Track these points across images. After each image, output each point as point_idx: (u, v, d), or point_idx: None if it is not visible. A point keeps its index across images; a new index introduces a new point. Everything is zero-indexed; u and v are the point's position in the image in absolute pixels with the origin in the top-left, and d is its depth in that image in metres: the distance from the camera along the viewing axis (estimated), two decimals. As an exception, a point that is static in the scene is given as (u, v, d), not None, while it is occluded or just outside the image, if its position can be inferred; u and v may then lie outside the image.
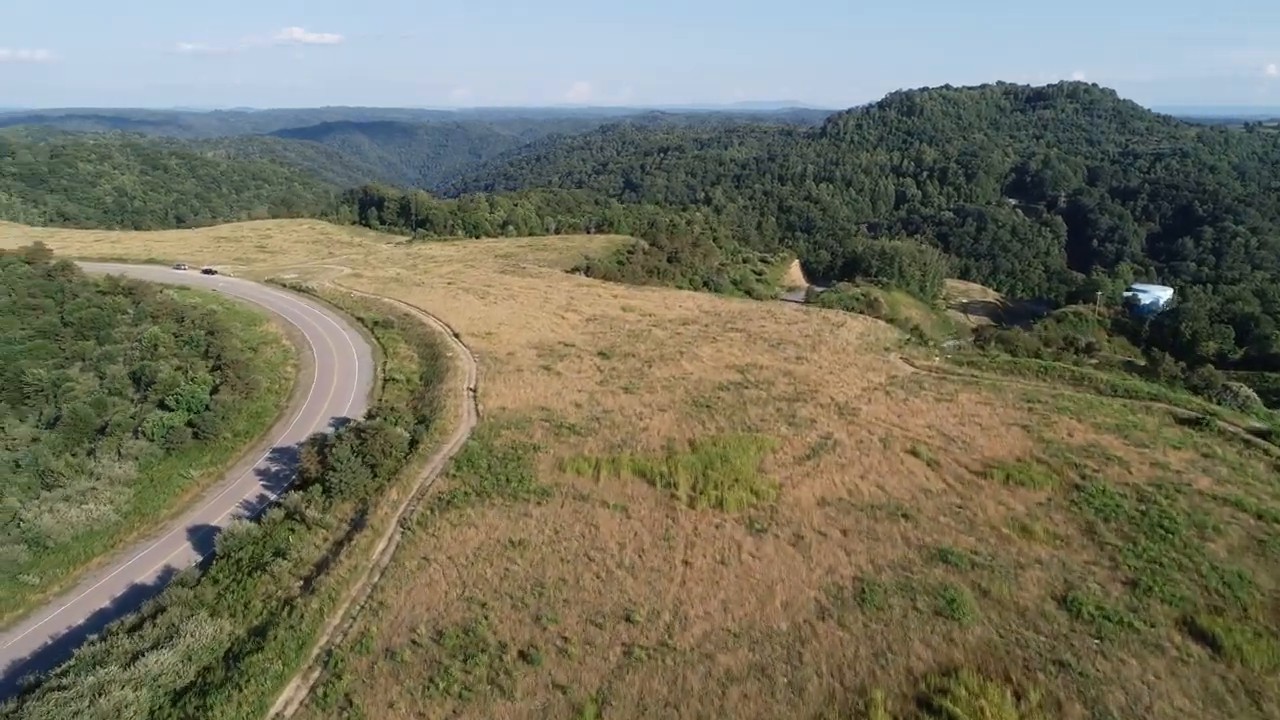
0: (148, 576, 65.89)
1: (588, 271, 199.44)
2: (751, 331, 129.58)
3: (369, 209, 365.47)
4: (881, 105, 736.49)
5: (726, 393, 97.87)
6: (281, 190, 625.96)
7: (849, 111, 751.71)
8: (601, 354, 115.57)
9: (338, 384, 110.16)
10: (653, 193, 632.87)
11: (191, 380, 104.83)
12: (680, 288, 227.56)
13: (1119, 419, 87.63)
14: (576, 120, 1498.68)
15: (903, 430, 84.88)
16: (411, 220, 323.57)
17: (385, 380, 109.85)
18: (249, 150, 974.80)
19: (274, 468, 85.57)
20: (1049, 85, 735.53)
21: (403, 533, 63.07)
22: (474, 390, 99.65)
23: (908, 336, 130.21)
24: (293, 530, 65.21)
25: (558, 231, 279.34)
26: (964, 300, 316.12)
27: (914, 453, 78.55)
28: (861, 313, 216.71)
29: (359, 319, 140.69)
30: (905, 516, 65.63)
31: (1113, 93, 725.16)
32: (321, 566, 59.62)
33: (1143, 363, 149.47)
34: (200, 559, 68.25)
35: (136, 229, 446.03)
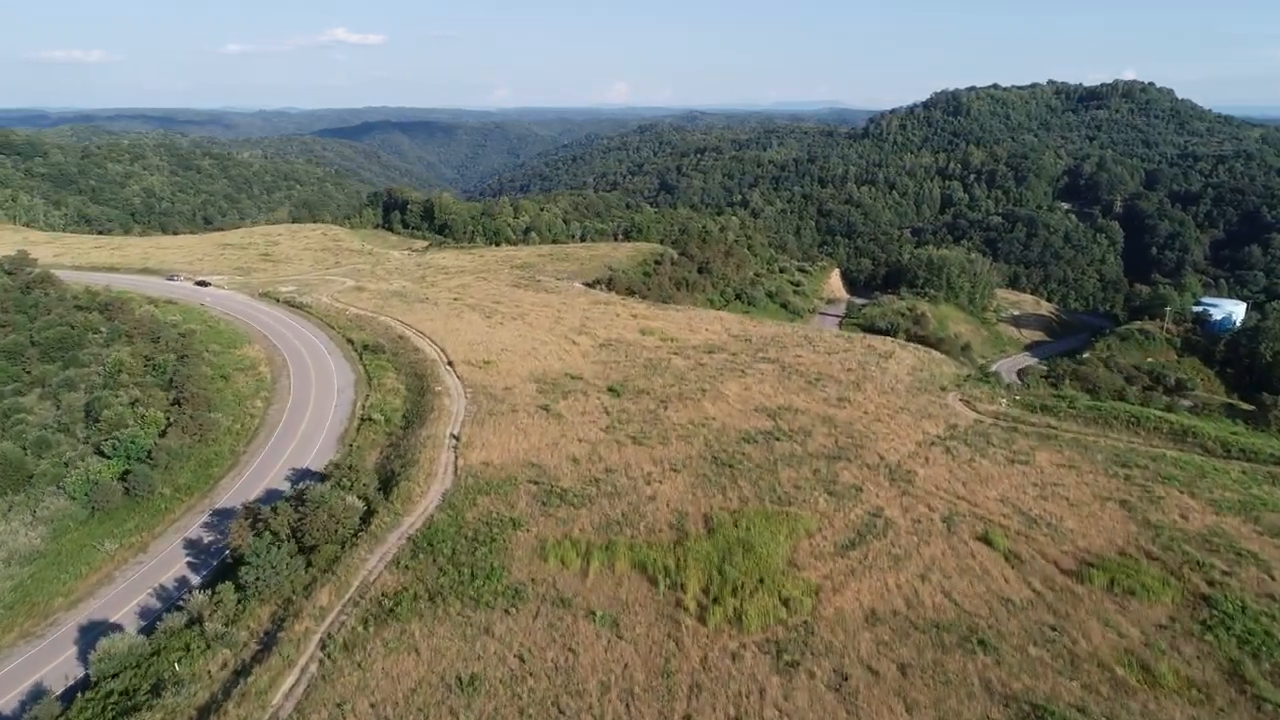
0: (7, 703, 51.95)
1: (609, 285, 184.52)
2: (786, 363, 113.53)
3: (392, 212, 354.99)
4: (926, 105, 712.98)
5: (754, 446, 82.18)
6: (313, 191, 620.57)
7: (892, 112, 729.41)
8: (612, 390, 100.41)
9: (309, 423, 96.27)
10: (688, 195, 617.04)
11: (141, 418, 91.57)
12: (710, 300, 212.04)
13: (1241, 493, 70.52)
14: (615, 120, 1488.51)
15: (970, 505, 68.57)
16: (434, 224, 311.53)
17: (362, 420, 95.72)
18: (288, 150, 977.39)
19: (208, 537, 71.61)
20: (1102, 84, 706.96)
21: (321, 661, 48.36)
22: (457, 438, 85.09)
23: (967, 372, 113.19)
24: (188, 647, 50.86)
25: (583, 239, 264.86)
26: (1015, 312, 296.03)
27: (987, 540, 62.30)
28: (908, 330, 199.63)
29: (349, 340, 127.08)
30: (982, 644, 49.65)
31: (1170, 92, 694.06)
32: (207, 712, 45.12)
33: (1246, 406, 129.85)
34: (82, 673, 54.26)
35: (162, 230, 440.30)
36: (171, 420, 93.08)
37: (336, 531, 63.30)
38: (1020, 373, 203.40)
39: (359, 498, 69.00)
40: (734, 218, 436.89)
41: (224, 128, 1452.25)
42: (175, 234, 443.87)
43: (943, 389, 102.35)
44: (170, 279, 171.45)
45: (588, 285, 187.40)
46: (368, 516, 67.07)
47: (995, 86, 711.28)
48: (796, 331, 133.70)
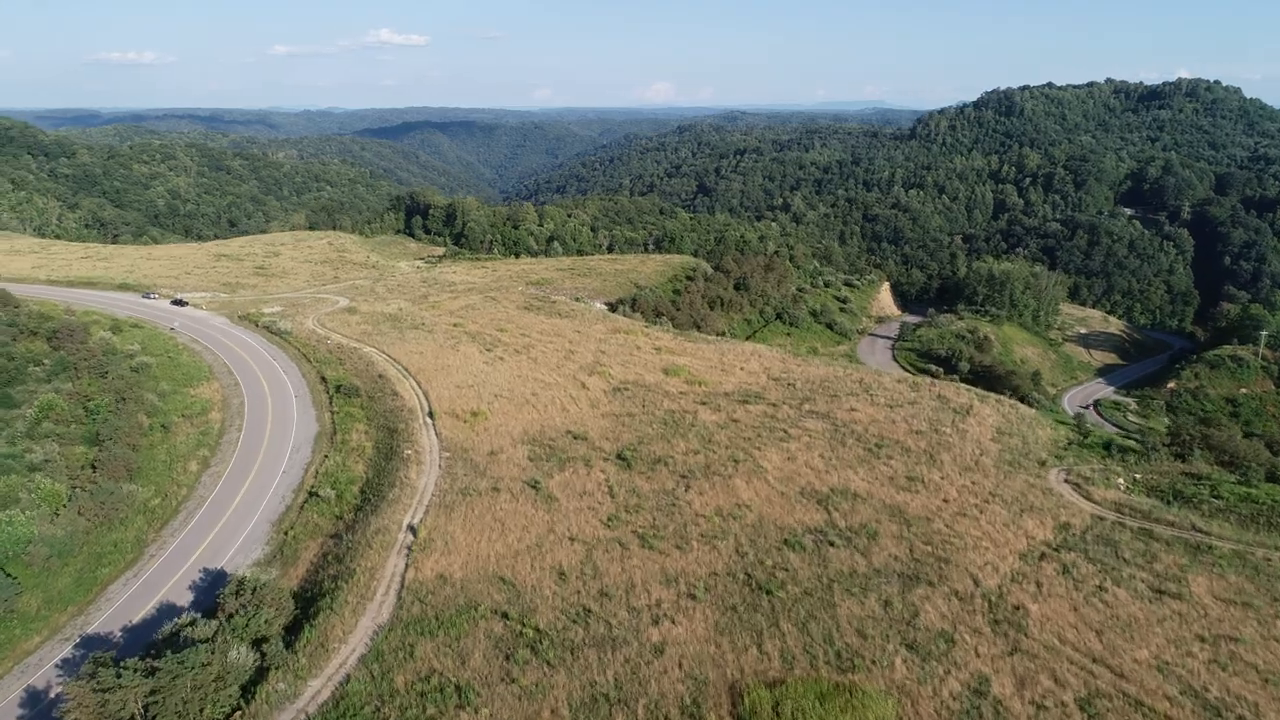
0: None
1: (634, 306, 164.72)
2: (838, 419, 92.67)
3: (414, 217, 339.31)
4: (977, 105, 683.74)
5: (801, 555, 61.81)
6: (344, 193, 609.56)
7: (941, 112, 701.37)
8: (621, 458, 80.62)
9: (245, 498, 77.74)
10: (726, 198, 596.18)
11: (34, 492, 73.59)
12: (748, 321, 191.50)
13: None
14: (655, 120, 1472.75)
15: (1115, 676, 47.66)
16: (455, 230, 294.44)
17: (309, 496, 76.91)
18: (325, 150, 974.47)
19: (57, 689, 52.87)
20: (1165, 83, 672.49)
21: None
22: (415, 531, 65.89)
23: (1069, 437, 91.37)
24: None
25: (610, 249, 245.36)
26: (1082, 330, 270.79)
27: (1154, 751, 41.39)
28: (971, 358, 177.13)
29: (323, 379, 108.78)
30: None
31: (1238, 91, 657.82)
32: None
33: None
34: None
35: (186, 233, 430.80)
36: (74, 491, 75.17)
37: (203, 711, 44.26)
38: (1096, 406, 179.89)
39: (253, 644, 49.94)
40: (774, 224, 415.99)
41: (268, 127, 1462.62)
42: (200, 238, 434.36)
43: (1041, 463, 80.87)
44: (146, 297, 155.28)
45: (609, 306, 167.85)
46: (260, 676, 47.98)
47: (1050, 85, 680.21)
48: (850, 375, 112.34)
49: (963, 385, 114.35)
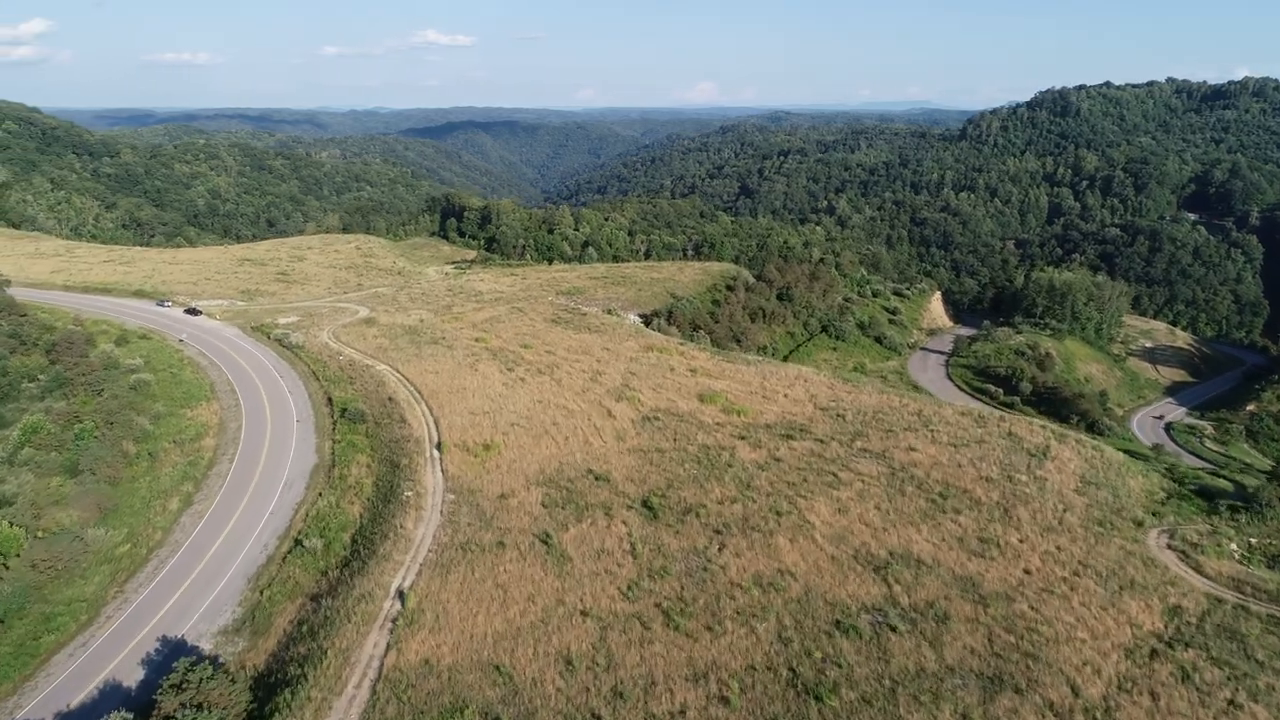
0: None
1: (669, 318, 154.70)
2: (895, 460, 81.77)
3: (449, 219, 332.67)
4: (1031, 105, 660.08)
5: (856, 644, 51.49)
6: (383, 193, 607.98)
7: (992, 112, 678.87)
8: (647, 506, 70.79)
9: (224, 544, 69.32)
10: (769, 200, 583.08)
11: (-10, 536, 65.84)
12: (791, 334, 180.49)
13: None
14: (698, 120, 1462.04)
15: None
16: (490, 233, 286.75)
17: (294, 545, 68.24)
18: (370, 149, 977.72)
19: (-34, 796, 44.72)
20: (1230, 82, 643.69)
21: None
22: (404, 598, 56.74)
23: (1165, 487, 79.50)
24: None
25: (647, 255, 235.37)
26: (1147, 344, 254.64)
27: None
28: (1033, 377, 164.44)
29: (329, 400, 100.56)
30: None
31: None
32: None
33: None
34: None
35: (224, 233, 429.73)
36: (33, 539, 67.35)
37: None
38: (1169, 430, 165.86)
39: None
40: (818, 228, 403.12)
41: (315, 127, 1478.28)
42: (239, 238, 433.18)
43: (1137, 523, 69.29)
44: (161, 305, 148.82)
45: (643, 319, 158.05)
46: (190, 805, 39.01)
47: (1108, 85, 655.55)
48: (906, 405, 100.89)
49: (1036, 421, 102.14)
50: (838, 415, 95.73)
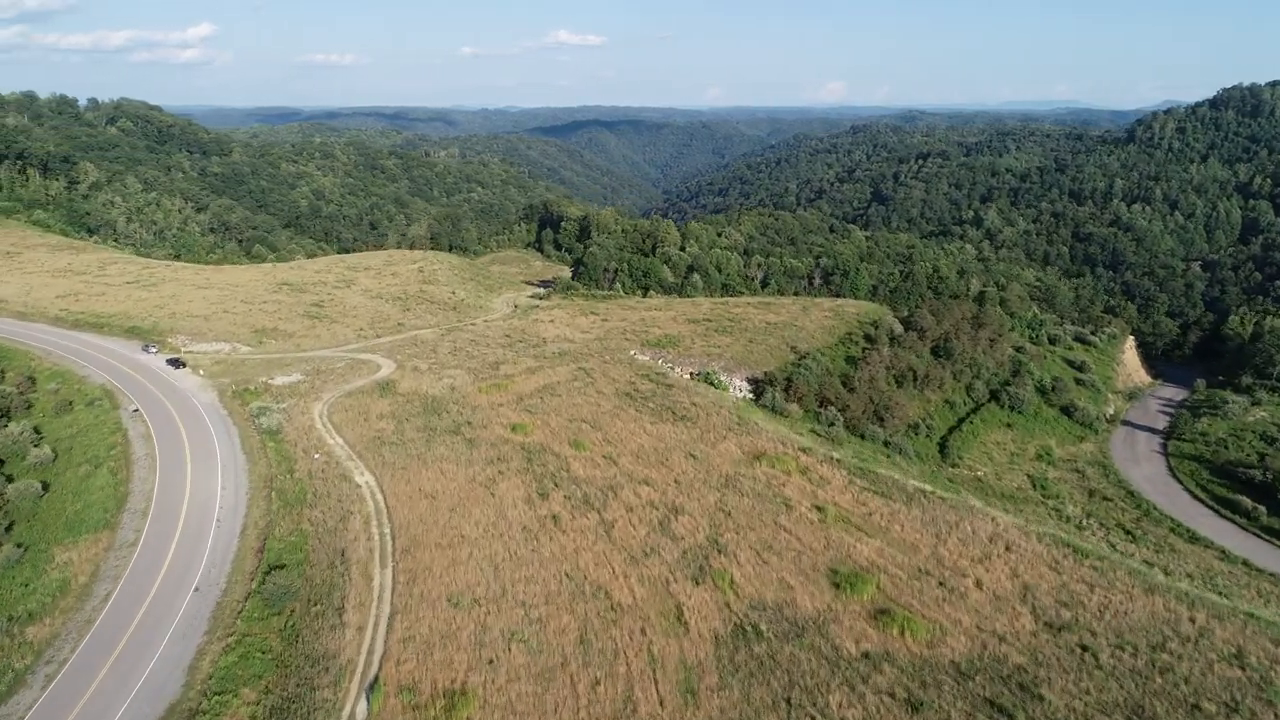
0: None
1: (788, 389, 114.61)
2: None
3: (545, 229, 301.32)
4: (1213, 104, 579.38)
5: None
6: (495, 194, 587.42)
7: (1167, 112, 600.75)
8: None
9: None
10: (905, 207, 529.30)
11: None
12: (950, 404, 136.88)
13: None
14: (826, 120, 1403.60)
15: None
16: (579, 255, 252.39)
17: None
18: (493, 147, 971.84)
19: None
20: None
21: None
22: None
23: None
24: None
25: (765, 283, 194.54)
26: None
27: None
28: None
29: (261, 551, 66.17)
30: None
31: None
32: None
33: None
34: None
35: (325, 235, 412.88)
36: None
37: None
38: None
39: None
40: (966, 245, 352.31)
41: (446, 124, 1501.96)
42: (339, 241, 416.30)
43: None
44: (146, 350, 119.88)
45: (753, 386, 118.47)
46: None
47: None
48: (1209, 627, 57.54)
49: None
50: (1079, 648, 53.83)
